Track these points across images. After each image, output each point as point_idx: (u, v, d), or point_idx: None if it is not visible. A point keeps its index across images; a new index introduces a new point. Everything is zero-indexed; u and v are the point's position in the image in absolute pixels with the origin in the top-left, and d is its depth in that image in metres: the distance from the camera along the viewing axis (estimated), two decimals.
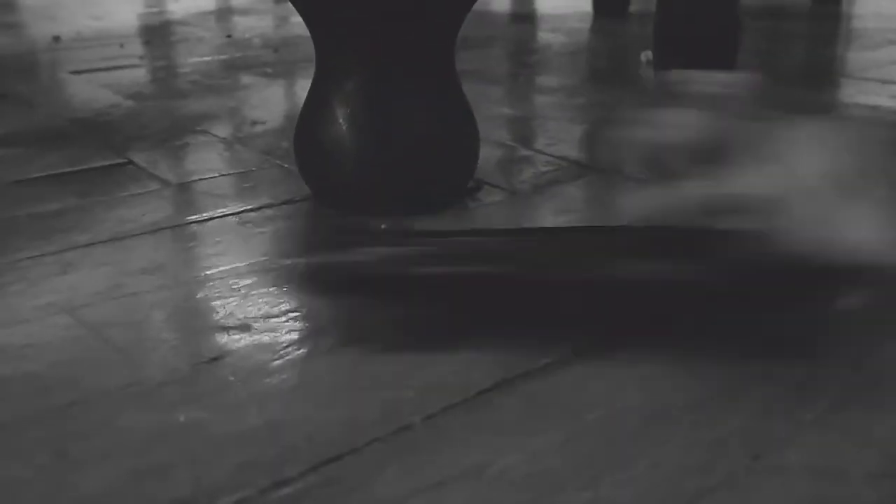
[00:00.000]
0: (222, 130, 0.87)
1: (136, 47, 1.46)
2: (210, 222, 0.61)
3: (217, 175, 0.72)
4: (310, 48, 0.64)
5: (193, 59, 1.32)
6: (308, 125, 0.64)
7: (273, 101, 1.03)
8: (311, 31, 0.63)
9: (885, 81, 1.13)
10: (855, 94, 1.08)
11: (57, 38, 1.50)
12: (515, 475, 0.34)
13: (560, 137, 0.85)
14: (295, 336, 0.45)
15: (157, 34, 1.63)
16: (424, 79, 0.62)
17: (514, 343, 0.43)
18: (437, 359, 0.42)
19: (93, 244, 0.57)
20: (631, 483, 0.33)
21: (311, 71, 0.65)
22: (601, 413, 0.38)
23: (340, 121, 0.61)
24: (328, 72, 0.63)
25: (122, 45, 1.43)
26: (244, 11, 1.94)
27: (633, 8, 1.83)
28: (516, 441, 0.36)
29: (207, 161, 0.77)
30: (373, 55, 0.60)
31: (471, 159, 0.66)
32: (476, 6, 0.64)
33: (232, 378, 0.41)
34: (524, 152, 0.79)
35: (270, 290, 0.50)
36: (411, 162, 0.62)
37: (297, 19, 0.59)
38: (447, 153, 0.64)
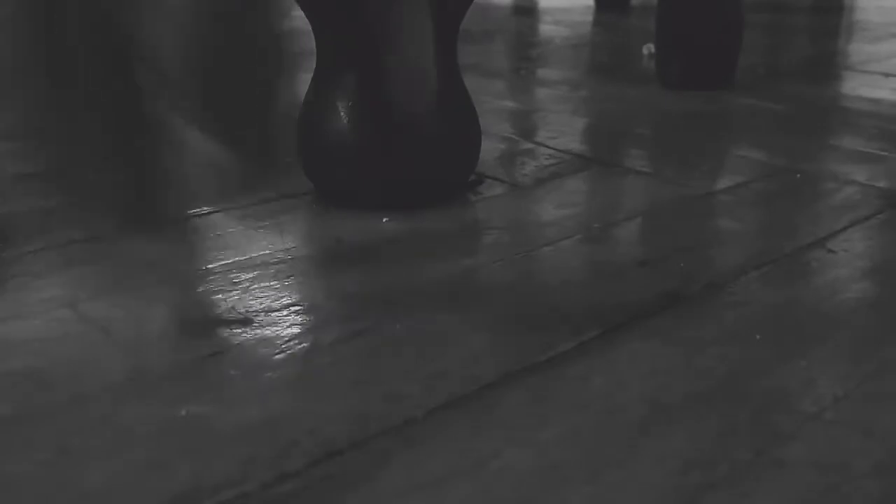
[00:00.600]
0: None
1: None
2: (211, 216, 0.61)
3: None
4: (310, 41, 0.63)
5: None
6: (309, 119, 0.64)
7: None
8: (312, 25, 0.63)
9: (887, 74, 1.13)
10: (857, 87, 1.07)
11: None
12: (519, 469, 0.34)
13: (562, 130, 0.84)
14: (297, 330, 0.45)
15: None
16: None
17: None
18: (441, 352, 0.42)
19: (94, 239, 0.57)
20: (634, 477, 0.33)
21: (312, 64, 0.64)
22: (605, 406, 0.38)
23: (342, 115, 0.61)
24: (329, 66, 0.63)
25: None
26: None
27: (634, 1, 1.82)
28: (520, 435, 0.36)
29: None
30: (374, 50, 0.60)
31: (473, 153, 0.66)
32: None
33: (233, 372, 0.41)
34: (526, 145, 0.79)
35: (272, 284, 0.50)
36: (413, 156, 0.61)
37: (297, 12, 0.59)
38: (449, 147, 0.64)
